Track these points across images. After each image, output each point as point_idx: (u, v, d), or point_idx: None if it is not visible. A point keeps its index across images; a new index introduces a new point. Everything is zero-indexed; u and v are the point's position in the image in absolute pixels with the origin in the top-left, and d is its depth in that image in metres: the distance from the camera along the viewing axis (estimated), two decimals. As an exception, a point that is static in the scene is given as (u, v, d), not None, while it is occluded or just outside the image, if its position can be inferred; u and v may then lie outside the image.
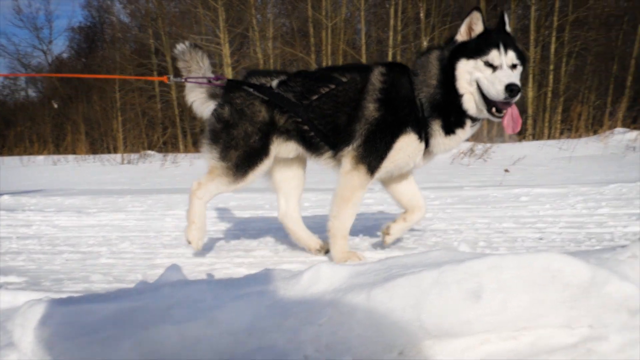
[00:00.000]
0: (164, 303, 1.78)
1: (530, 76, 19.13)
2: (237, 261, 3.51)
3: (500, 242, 3.71)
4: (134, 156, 19.22)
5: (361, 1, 20.42)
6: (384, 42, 20.37)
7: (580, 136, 16.50)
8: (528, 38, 19.11)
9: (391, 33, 19.97)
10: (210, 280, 2.21)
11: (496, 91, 2.76)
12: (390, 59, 19.91)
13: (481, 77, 2.82)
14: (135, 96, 24.97)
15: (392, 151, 3.01)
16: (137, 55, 26.29)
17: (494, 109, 2.84)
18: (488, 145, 15.37)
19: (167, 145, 24.69)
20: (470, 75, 2.85)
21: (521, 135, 18.77)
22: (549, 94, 19.58)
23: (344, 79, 3.11)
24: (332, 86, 3.10)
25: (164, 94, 24.56)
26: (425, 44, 19.87)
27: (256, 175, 3.24)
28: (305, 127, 3.14)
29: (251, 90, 3.20)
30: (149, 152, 20.38)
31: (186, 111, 21.69)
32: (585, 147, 14.79)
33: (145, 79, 24.28)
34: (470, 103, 2.92)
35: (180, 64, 3.44)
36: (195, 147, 22.30)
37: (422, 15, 20.04)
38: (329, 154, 3.19)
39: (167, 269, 2.20)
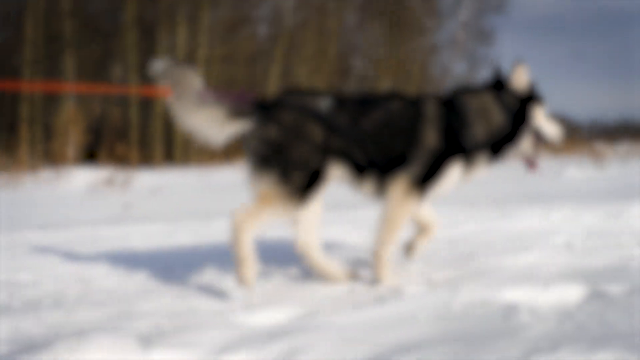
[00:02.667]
0: None
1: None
2: None
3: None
4: None
5: None
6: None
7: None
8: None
9: (27, 47, 18.13)
10: None
11: (557, 134, 3.36)
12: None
13: (544, 123, 3.34)
14: None
15: (443, 178, 3.24)
16: None
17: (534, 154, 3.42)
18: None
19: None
20: (536, 121, 3.32)
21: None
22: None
23: (397, 106, 3.26)
24: (387, 112, 3.24)
25: None
26: (69, 59, 18.68)
27: (314, 199, 3.21)
28: (357, 152, 3.20)
29: (303, 110, 3.17)
30: None
31: None
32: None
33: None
34: (525, 143, 3.35)
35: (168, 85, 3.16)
36: None
37: (66, 31, 18.73)
38: (372, 179, 3.26)
39: None
